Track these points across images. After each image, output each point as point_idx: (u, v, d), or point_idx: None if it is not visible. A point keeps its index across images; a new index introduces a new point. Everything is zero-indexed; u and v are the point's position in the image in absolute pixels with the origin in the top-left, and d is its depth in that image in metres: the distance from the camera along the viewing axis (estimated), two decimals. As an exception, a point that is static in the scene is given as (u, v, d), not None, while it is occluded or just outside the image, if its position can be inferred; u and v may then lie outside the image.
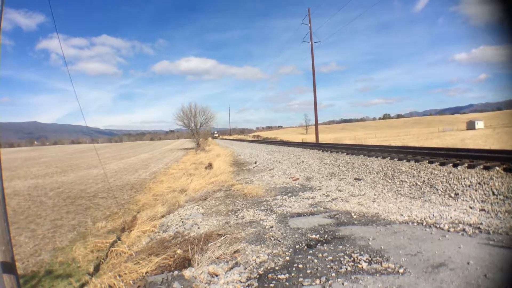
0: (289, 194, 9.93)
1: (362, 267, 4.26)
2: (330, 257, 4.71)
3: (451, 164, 9.37)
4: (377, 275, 4.00)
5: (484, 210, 6.41)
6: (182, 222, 7.94)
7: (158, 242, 6.69)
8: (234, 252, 5.22)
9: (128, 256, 6.46)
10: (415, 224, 5.98)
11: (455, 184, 8.02)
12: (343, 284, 3.84)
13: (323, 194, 9.55)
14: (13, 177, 25.24)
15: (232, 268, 4.64)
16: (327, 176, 12.56)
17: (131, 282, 4.72)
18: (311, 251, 5.06)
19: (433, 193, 8.09)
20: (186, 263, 4.94)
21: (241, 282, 4.18)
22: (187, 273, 4.45)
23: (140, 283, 4.50)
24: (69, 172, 27.97)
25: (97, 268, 7.03)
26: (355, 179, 11.09)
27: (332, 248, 5.12)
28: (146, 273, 4.90)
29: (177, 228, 7.51)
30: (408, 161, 11.12)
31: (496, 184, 7.29)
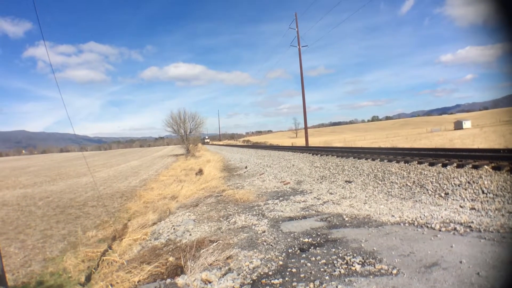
0: (281, 198, 9.91)
1: (355, 269, 4.26)
2: (323, 260, 4.70)
3: (440, 164, 9.45)
4: (371, 277, 4.01)
5: (474, 208, 6.46)
6: (174, 229, 7.87)
7: (149, 250, 6.62)
8: (227, 258, 5.19)
9: (119, 265, 6.37)
10: (407, 224, 6.00)
11: (444, 184, 8.09)
12: (337, 287, 3.83)
13: (315, 197, 9.56)
14: (1, 187, 24.90)
15: (225, 274, 4.61)
16: (318, 179, 12.58)
17: (123, 291, 4.67)
18: (304, 255, 5.04)
19: (424, 193, 8.14)
20: (178, 270, 4.89)
21: (234, 288, 4.16)
22: (180, 280, 4.41)
23: (133, 292, 4.45)
24: (58, 180, 27.64)
25: (88, 278, 6.94)
26: (345, 181, 11.13)
27: (325, 251, 5.11)
28: (138, 281, 4.84)
29: (168, 235, 7.44)
30: (398, 162, 11.19)
31: (486, 182, 7.37)
